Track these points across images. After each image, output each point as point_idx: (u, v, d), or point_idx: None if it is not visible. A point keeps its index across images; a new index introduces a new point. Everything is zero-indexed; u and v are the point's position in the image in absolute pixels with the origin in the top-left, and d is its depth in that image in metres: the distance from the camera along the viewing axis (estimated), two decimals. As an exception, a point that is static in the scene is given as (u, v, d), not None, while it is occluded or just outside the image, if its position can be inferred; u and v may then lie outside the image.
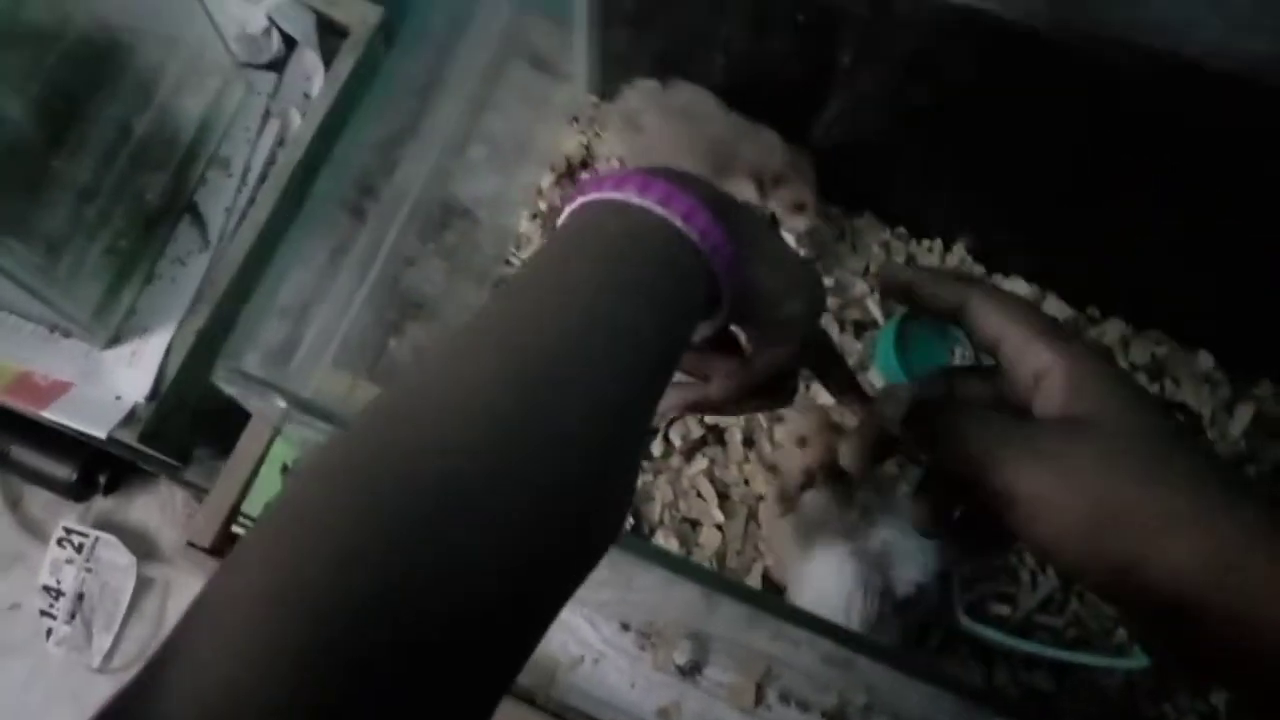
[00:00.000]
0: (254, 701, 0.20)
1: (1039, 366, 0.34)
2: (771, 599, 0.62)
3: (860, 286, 0.74)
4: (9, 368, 0.75)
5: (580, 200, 0.34)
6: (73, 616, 1.14)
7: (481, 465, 0.25)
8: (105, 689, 1.16)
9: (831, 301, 0.73)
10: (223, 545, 0.70)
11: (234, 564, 0.24)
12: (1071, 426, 0.32)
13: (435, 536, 0.24)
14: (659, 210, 0.33)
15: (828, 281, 0.74)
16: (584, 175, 0.77)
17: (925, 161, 0.72)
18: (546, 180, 0.77)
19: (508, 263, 0.76)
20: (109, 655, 1.15)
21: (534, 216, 0.76)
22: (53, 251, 0.69)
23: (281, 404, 0.45)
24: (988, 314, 0.36)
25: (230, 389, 0.46)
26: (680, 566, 0.44)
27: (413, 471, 0.25)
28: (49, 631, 1.14)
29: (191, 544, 0.69)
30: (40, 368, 0.75)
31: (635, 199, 0.33)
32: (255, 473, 0.70)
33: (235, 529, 0.69)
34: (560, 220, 0.35)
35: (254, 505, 0.68)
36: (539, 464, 0.26)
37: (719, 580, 0.45)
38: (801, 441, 0.61)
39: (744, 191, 0.70)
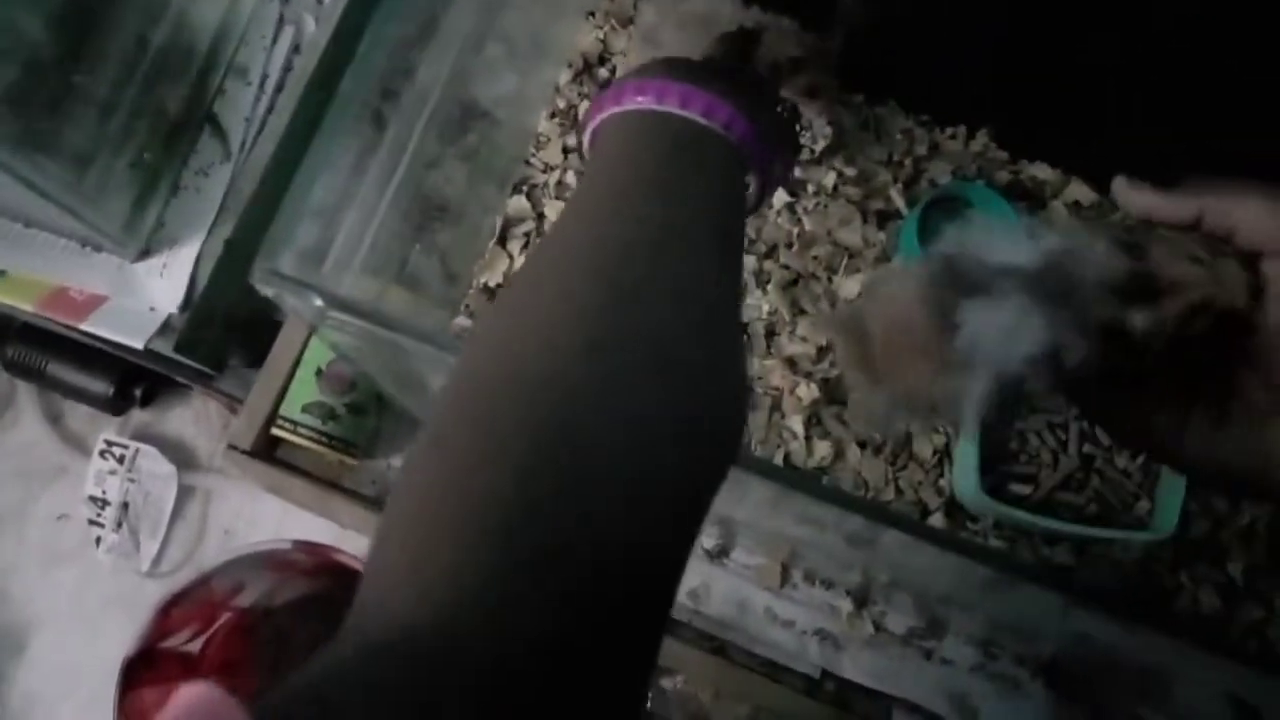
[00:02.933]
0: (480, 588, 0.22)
1: None
2: (800, 475, 0.64)
3: (883, 175, 0.74)
4: (45, 283, 0.76)
5: (616, 110, 0.36)
6: (119, 525, 1.18)
7: (596, 378, 0.26)
8: (155, 592, 1.21)
9: (853, 191, 0.73)
10: (262, 448, 0.72)
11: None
12: None
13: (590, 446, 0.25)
14: (702, 122, 0.34)
15: (850, 171, 0.74)
16: (605, 80, 0.76)
17: (947, 46, 0.71)
18: (564, 77, 0.76)
19: (527, 163, 0.76)
20: (156, 560, 1.19)
21: (552, 115, 0.76)
22: (79, 166, 0.69)
23: (319, 303, 0.46)
24: (1247, 212, 0.31)
25: (268, 290, 0.47)
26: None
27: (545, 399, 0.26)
28: (98, 540, 1.19)
29: (232, 446, 0.72)
30: (75, 282, 0.76)
31: (678, 111, 0.34)
32: (291, 376, 0.71)
33: (274, 431, 0.71)
34: (593, 126, 0.36)
35: (291, 408, 0.70)
36: (658, 375, 0.27)
37: (750, 460, 0.46)
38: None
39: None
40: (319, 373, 0.70)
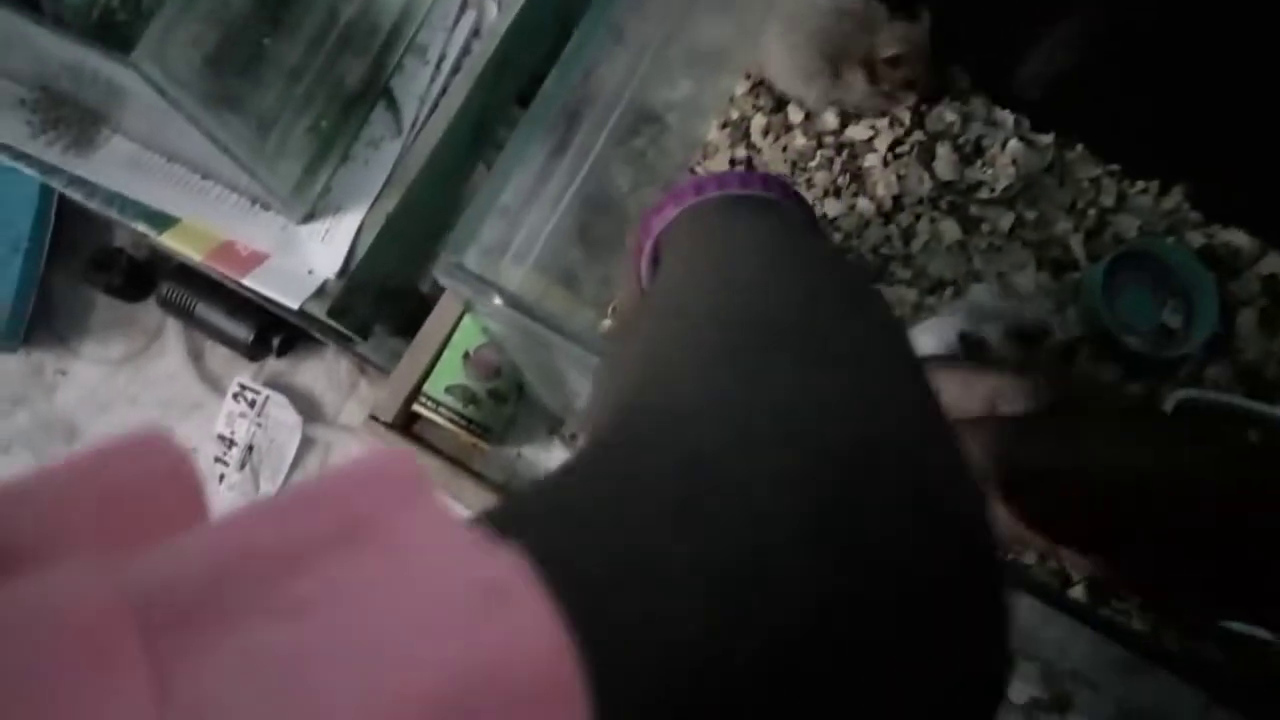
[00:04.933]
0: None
1: None
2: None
3: (1064, 224, 0.70)
4: (214, 235, 0.79)
5: (719, 194, 0.42)
6: (243, 466, 1.23)
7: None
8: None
9: (1031, 235, 0.70)
10: (404, 421, 0.74)
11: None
12: None
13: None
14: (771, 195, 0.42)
15: (1030, 214, 0.70)
16: (782, 95, 0.75)
17: (1147, 91, 0.67)
18: (740, 89, 0.75)
19: (691, 170, 0.75)
20: (273, 505, 1.23)
21: (723, 125, 0.75)
22: (263, 128, 0.71)
23: (498, 301, 0.47)
24: None
25: (449, 282, 0.47)
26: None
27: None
28: (221, 476, 1.24)
29: (374, 417, 0.73)
30: (242, 237, 0.78)
31: (760, 192, 0.42)
32: (438, 356, 0.72)
33: (415, 407, 0.72)
34: (688, 207, 0.42)
35: (435, 387, 0.71)
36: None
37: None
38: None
39: (855, 80, 0.71)
40: (466, 356, 0.70)
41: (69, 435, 1.25)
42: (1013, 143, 0.71)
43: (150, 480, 0.18)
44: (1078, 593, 0.65)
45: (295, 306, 0.77)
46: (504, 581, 0.16)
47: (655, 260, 0.45)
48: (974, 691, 0.22)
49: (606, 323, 0.73)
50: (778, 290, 0.30)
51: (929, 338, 0.61)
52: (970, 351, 0.59)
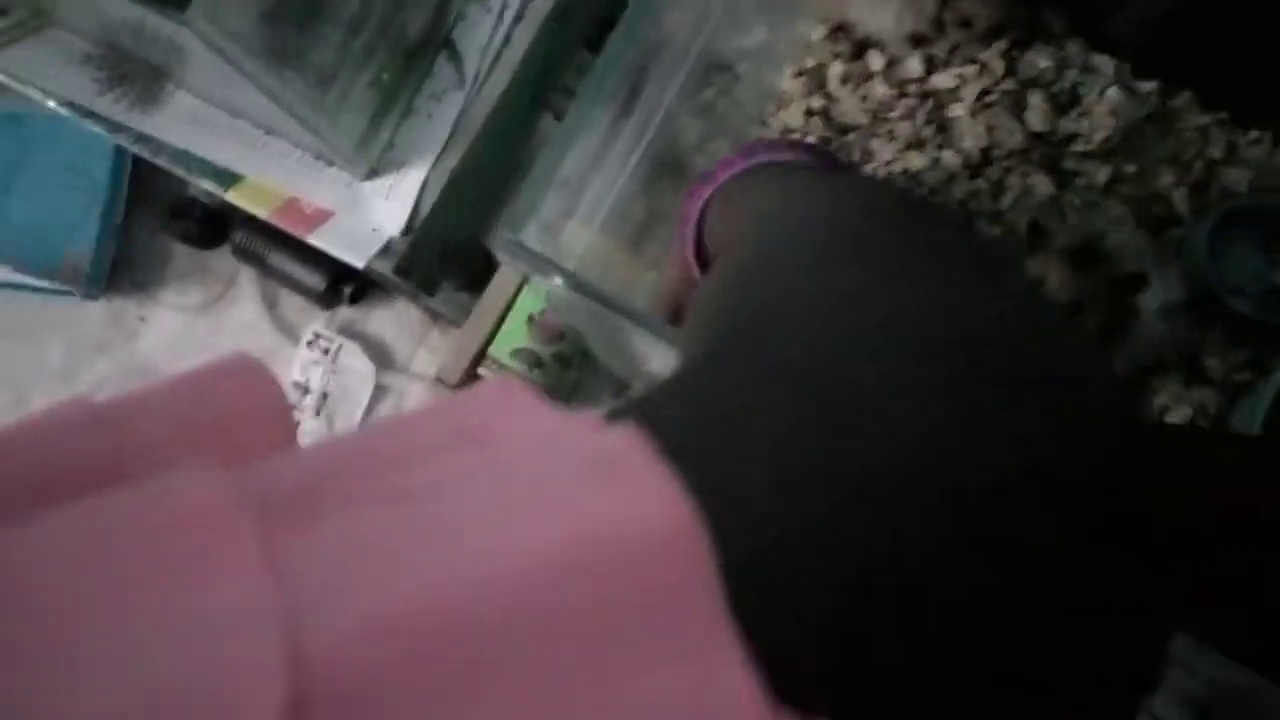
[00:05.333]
0: None
1: None
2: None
3: (1166, 176, 0.65)
4: (278, 193, 0.78)
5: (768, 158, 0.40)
6: (318, 413, 1.25)
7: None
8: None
9: (1129, 189, 0.65)
10: (468, 384, 0.73)
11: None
12: None
13: None
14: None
15: (1129, 168, 0.65)
16: (863, 39, 0.70)
17: (1261, 29, 0.61)
18: (817, 34, 0.71)
19: (764, 124, 0.71)
20: (348, 451, 1.25)
21: (799, 74, 0.71)
22: (323, 83, 0.70)
23: (558, 280, 0.45)
24: None
25: (508, 259, 0.46)
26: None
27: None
28: (297, 423, 1.26)
29: (439, 380, 0.72)
30: (305, 194, 0.78)
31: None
32: (502, 319, 0.71)
33: (480, 370, 0.71)
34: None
35: (500, 350, 0.70)
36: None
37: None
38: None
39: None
40: (530, 320, 0.69)
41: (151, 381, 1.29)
42: (1111, 90, 0.65)
43: (246, 396, 0.19)
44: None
45: (360, 265, 0.76)
46: (617, 452, 0.15)
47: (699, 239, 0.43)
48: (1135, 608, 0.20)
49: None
50: (856, 209, 0.28)
51: None
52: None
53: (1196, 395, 0.63)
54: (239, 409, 0.19)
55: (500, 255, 0.44)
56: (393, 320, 1.25)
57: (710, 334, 0.25)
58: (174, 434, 0.18)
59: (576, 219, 0.49)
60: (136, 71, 0.80)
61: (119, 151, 1.19)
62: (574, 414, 0.17)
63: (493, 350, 0.70)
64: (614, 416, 0.19)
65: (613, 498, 0.15)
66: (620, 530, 0.14)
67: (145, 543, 0.13)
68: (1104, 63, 0.67)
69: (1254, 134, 0.66)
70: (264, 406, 0.19)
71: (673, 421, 0.19)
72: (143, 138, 0.79)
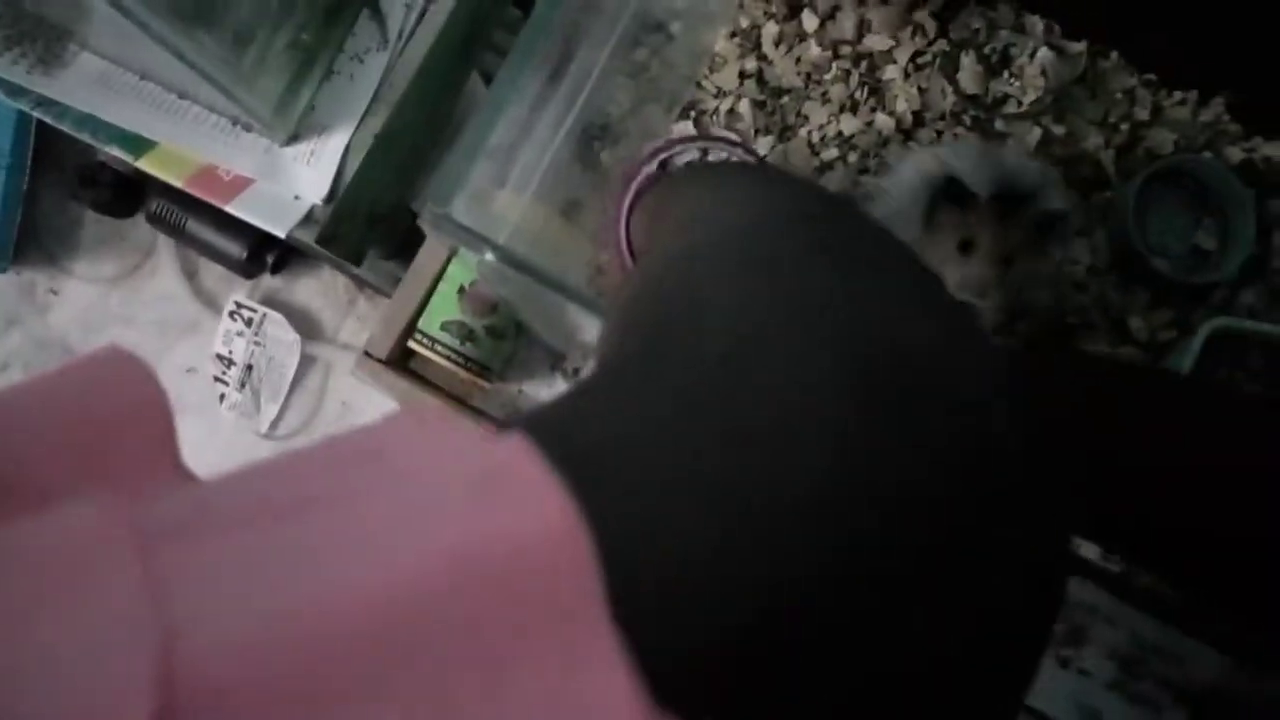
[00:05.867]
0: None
1: None
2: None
3: (1095, 139, 0.66)
4: (194, 160, 0.74)
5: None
6: (243, 385, 1.21)
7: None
8: (272, 454, 1.26)
9: (1060, 151, 0.66)
10: (396, 358, 0.71)
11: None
12: None
13: None
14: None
15: (1058, 129, 0.66)
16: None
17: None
18: (751, -8, 0.70)
19: (698, 85, 0.70)
20: (275, 423, 1.22)
21: (733, 35, 0.69)
22: (238, 44, 0.66)
23: (489, 256, 0.43)
24: None
25: (435, 234, 0.44)
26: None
27: None
28: (221, 396, 1.22)
29: (368, 354, 0.70)
30: (223, 161, 0.74)
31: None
32: (432, 290, 0.69)
33: (410, 344, 0.69)
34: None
35: (430, 323, 0.68)
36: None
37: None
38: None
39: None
40: (461, 291, 0.67)
41: (64, 355, 1.23)
42: (1042, 51, 0.65)
43: (123, 395, 0.19)
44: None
45: (282, 235, 0.73)
46: (504, 465, 0.16)
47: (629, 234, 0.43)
48: (1035, 585, 0.21)
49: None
50: (777, 218, 0.28)
51: (910, 168, 0.58)
52: (952, 198, 0.56)
53: (1123, 355, 0.65)
54: (116, 410, 0.18)
55: (428, 229, 0.43)
56: (318, 289, 1.22)
57: (620, 341, 0.25)
58: (50, 448, 0.17)
59: (509, 187, 0.48)
60: (37, 30, 0.75)
61: (21, 116, 1.13)
62: (470, 429, 0.17)
63: (422, 323, 0.68)
64: (513, 426, 0.19)
65: (497, 509, 0.15)
66: (503, 540, 0.14)
67: (29, 574, 0.13)
68: (1035, 23, 0.67)
69: (1179, 95, 0.67)
70: (140, 402, 0.19)
71: (572, 436, 0.19)
72: (44, 101, 0.74)
